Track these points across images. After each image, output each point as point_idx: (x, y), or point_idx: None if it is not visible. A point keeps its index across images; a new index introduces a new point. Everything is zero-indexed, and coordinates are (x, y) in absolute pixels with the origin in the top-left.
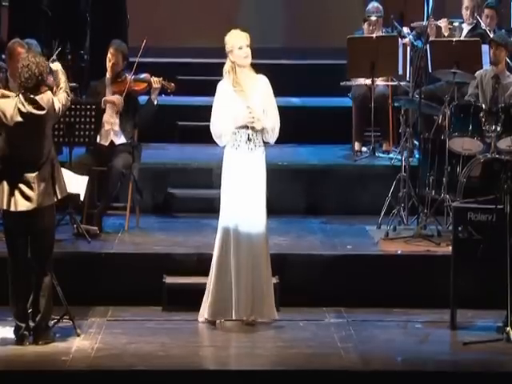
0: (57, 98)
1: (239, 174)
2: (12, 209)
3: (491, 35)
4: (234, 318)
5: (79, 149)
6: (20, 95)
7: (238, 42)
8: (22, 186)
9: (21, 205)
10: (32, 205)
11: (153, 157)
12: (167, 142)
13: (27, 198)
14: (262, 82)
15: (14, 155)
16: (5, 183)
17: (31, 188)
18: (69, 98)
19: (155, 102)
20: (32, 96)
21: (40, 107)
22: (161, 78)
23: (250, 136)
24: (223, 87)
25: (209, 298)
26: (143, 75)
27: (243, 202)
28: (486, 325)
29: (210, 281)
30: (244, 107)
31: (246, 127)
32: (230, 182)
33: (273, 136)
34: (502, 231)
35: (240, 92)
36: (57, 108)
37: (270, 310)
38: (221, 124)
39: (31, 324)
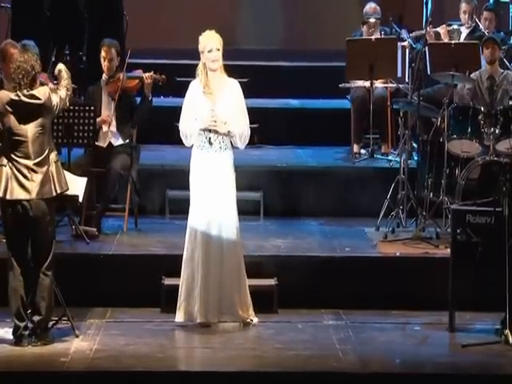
0: (55, 94)
1: (205, 176)
2: (8, 197)
3: None
4: (198, 320)
5: (78, 150)
6: (17, 91)
7: (208, 44)
8: (18, 175)
9: (16, 193)
10: (28, 195)
11: (151, 158)
12: (165, 144)
13: (23, 187)
14: (233, 87)
15: (13, 145)
16: (3, 172)
17: (27, 178)
18: (68, 94)
19: (150, 98)
20: (29, 91)
21: (37, 98)
22: (152, 73)
23: (212, 139)
24: (194, 87)
25: (179, 301)
26: (136, 72)
27: (211, 204)
28: (485, 327)
29: (180, 282)
30: (208, 110)
31: (209, 130)
32: (196, 182)
33: (242, 142)
34: (501, 234)
35: (208, 94)
36: (54, 102)
37: (243, 311)
38: (187, 124)
39: (30, 324)
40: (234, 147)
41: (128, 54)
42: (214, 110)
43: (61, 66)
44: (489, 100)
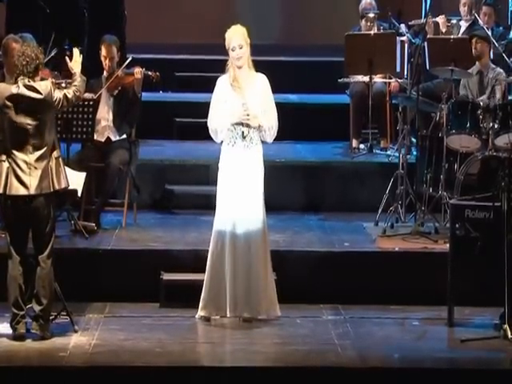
0: (59, 90)
1: (235, 171)
2: (7, 193)
3: (489, 33)
4: (228, 315)
5: (76, 145)
6: (19, 81)
7: (231, 42)
8: (18, 171)
9: (16, 189)
10: (26, 191)
11: (150, 153)
12: (165, 139)
13: (22, 183)
14: (261, 81)
15: (11, 139)
16: (3, 168)
17: (26, 173)
18: (77, 95)
19: (139, 95)
20: (30, 82)
21: (37, 92)
22: (143, 69)
23: (245, 133)
24: (222, 83)
25: (203, 295)
26: (133, 68)
27: (239, 200)
28: (484, 322)
29: (205, 278)
30: (240, 104)
31: (242, 124)
32: (225, 178)
33: (270, 135)
34: (500, 228)
35: (237, 89)
36: (56, 97)
37: (269, 307)
38: (217, 120)
39: (31, 313)
40: (262, 142)
41: (126, 62)
42: (246, 104)
43: (76, 70)
44: (479, 95)
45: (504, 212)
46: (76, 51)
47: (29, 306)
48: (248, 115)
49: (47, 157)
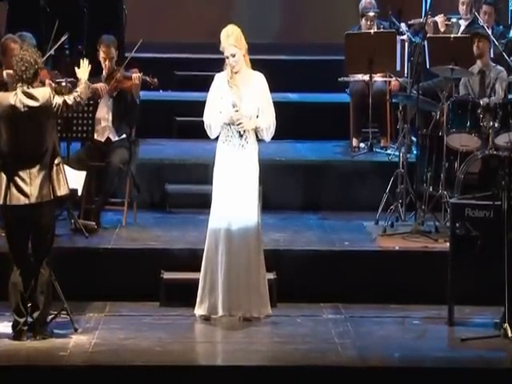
0: (60, 97)
1: (230, 170)
2: (7, 203)
3: (489, 32)
4: (220, 313)
5: (76, 144)
6: (17, 89)
7: (224, 50)
8: (17, 180)
9: (15, 199)
10: (26, 200)
11: (150, 152)
12: (165, 138)
13: (22, 192)
14: (258, 80)
15: (10, 149)
16: (2, 177)
17: (26, 183)
18: (77, 100)
19: (137, 100)
20: (29, 89)
21: (35, 99)
22: (141, 74)
23: (242, 132)
24: (219, 79)
25: (198, 293)
26: (132, 70)
27: (234, 198)
28: (484, 321)
29: (201, 276)
30: (232, 107)
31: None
32: (220, 177)
33: (268, 134)
34: (500, 227)
35: (234, 87)
36: (55, 103)
37: (262, 306)
38: (211, 117)
39: (29, 319)
40: (259, 140)
41: (137, 46)
42: (236, 104)
43: (82, 76)
44: (480, 94)
45: (504, 211)
46: (85, 62)
47: (29, 304)
48: (240, 121)
49: (47, 165)
